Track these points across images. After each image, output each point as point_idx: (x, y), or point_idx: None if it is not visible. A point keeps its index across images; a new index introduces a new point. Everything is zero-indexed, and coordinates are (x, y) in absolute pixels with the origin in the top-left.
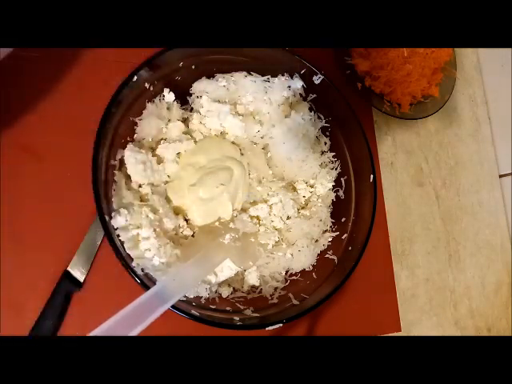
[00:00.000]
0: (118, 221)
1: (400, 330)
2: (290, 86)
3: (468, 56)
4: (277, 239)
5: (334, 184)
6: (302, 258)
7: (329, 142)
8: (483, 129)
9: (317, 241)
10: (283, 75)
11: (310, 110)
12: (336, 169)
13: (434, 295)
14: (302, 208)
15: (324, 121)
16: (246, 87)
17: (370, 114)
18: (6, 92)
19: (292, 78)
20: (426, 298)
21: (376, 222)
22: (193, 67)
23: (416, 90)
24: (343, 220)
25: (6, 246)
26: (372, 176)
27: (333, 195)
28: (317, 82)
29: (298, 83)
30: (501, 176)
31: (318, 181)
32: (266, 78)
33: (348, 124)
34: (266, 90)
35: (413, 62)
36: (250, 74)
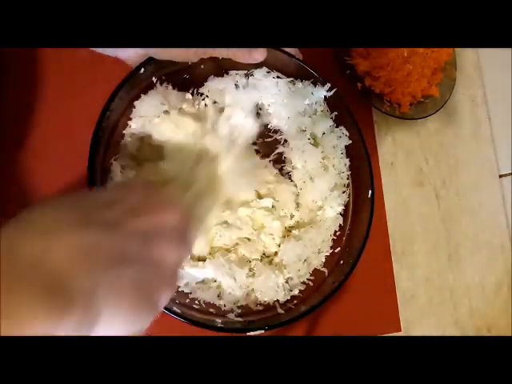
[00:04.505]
0: None
1: (400, 330)
2: (312, 93)
3: (468, 56)
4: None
5: (344, 208)
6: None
7: (348, 163)
8: (483, 129)
9: (310, 263)
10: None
11: (336, 126)
12: (348, 194)
13: (434, 295)
14: (292, 229)
15: (348, 137)
16: (268, 87)
17: (370, 113)
18: (5, 92)
19: (315, 85)
20: (425, 297)
21: (376, 221)
22: (202, 66)
23: (416, 90)
24: (338, 234)
25: None
26: (370, 192)
27: (341, 219)
28: (326, 93)
29: (321, 93)
30: (501, 176)
31: (328, 203)
32: (290, 79)
33: (351, 140)
34: (289, 92)
35: (413, 62)
36: (272, 71)
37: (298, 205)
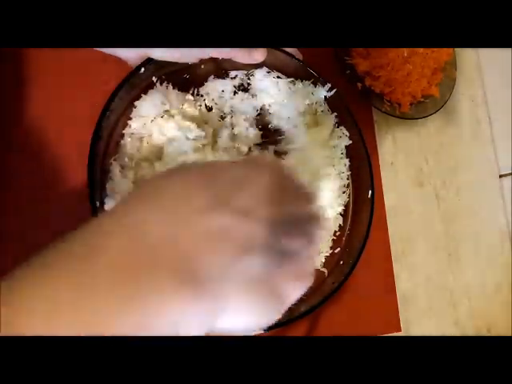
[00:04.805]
0: (109, 206)
1: (400, 330)
2: (313, 93)
3: (468, 56)
4: None
5: (344, 208)
6: None
7: (348, 163)
8: (483, 129)
9: None
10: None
11: (337, 126)
12: (348, 194)
13: (434, 295)
14: None
15: (348, 137)
16: (268, 87)
17: (370, 113)
18: (5, 92)
19: (315, 85)
20: (425, 297)
21: (376, 222)
22: (202, 66)
23: (416, 89)
24: (338, 234)
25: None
26: (370, 192)
27: (341, 219)
28: (326, 93)
29: (321, 92)
30: (501, 176)
31: (328, 204)
32: (290, 79)
33: (352, 140)
34: (289, 93)
35: (413, 62)
36: (272, 71)
37: None
